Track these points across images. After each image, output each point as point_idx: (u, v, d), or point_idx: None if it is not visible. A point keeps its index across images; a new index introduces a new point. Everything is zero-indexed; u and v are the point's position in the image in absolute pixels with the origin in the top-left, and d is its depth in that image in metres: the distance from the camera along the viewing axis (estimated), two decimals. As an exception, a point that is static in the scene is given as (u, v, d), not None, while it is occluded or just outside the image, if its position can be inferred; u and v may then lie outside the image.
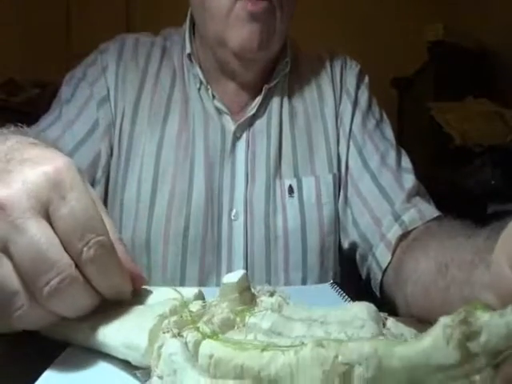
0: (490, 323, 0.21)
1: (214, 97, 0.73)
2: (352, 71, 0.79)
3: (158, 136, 0.72)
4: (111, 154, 0.72)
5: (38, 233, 0.30)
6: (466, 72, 2.16)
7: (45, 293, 0.30)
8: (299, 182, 0.73)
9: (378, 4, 2.46)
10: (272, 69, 0.75)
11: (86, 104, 0.72)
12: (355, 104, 0.76)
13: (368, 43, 2.31)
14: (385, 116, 0.79)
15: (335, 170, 0.74)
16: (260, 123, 0.74)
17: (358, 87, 0.78)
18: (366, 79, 0.80)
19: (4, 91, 2.25)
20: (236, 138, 0.73)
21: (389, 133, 0.77)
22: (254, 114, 0.73)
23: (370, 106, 0.78)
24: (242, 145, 0.73)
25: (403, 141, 0.78)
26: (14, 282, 0.30)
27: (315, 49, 0.83)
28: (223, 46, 0.68)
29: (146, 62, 0.75)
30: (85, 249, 0.31)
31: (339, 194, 0.74)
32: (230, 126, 0.73)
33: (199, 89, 0.74)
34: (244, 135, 0.73)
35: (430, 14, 2.41)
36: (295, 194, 0.72)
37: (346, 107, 0.76)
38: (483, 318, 0.21)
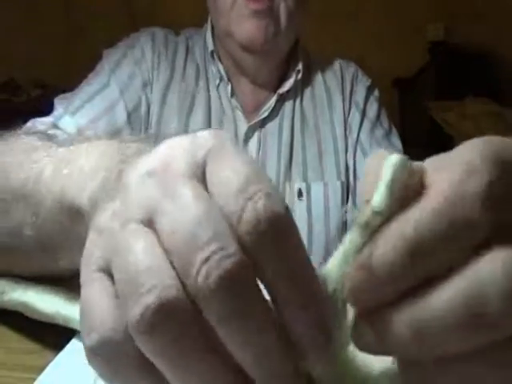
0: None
1: (232, 95, 0.75)
2: (362, 84, 0.80)
3: (183, 129, 0.73)
4: None
5: (193, 201, 0.20)
6: (467, 72, 2.16)
7: (201, 276, 0.18)
8: (308, 186, 0.75)
9: (378, 4, 2.46)
10: (284, 74, 0.77)
11: (131, 80, 0.73)
12: (363, 114, 0.78)
13: (369, 43, 2.31)
14: (394, 129, 0.80)
15: (343, 178, 0.76)
16: (272, 125, 0.76)
17: (366, 99, 0.79)
18: (376, 92, 0.81)
19: (5, 91, 2.25)
20: (248, 137, 0.75)
21: (397, 143, 0.78)
22: (266, 117, 0.76)
23: (378, 116, 0.79)
24: (253, 144, 0.75)
25: (404, 141, 0.78)
26: (152, 255, 0.19)
27: (327, 56, 0.84)
28: (231, 40, 0.70)
29: (173, 55, 0.77)
30: (249, 203, 0.19)
31: (347, 201, 0.76)
32: (243, 125, 0.75)
33: (218, 86, 0.76)
34: (255, 135, 0.75)
35: (431, 15, 2.41)
36: (304, 198, 0.74)
37: (355, 117, 0.78)
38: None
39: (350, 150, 0.77)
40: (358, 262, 0.19)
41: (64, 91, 0.75)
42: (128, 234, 0.20)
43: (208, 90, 0.76)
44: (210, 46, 0.76)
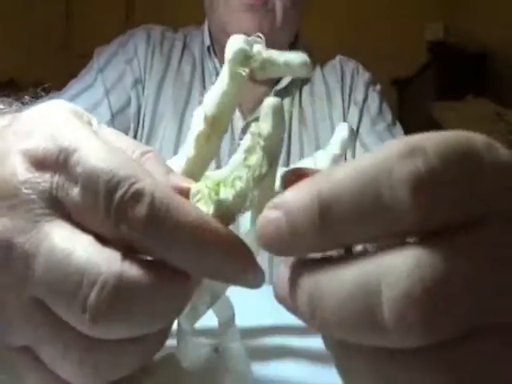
0: None
1: None
2: (362, 79, 0.80)
3: (178, 123, 0.74)
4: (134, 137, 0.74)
5: (56, 243, 0.18)
6: (467, 72, 2.16)
7: (88, 320, 0.17)
8: None
9: (378, 4, 2.46)
10: None
11: (121, 79, 0.73)
12: (362, 111, 0.78)
13: (368, 43, 2.31)
14: (398, 124, 0.80)
15: None
16: None
17: (366, 96, 0.79)
18: (378, 87, 0.80)
19: (5, 91, 2.25)
20: (245, 133, 0.75)
21: (400, 136, 0.78)
22: None
23: (380, 110, 0.78)
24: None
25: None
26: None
27: (327, 53, 0.84)
28: (226, 35, 0.70)
29: (169, 50, 0.78)
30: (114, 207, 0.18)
31: None
32: (239, 122, 0.75)
33: (214, 82, 0.76)
34: None
35: (431, 14, 2.41)
36: None
37: (354, 114, 0.78)
38: None
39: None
40: (271, 204, 0.17)
41: (63, 91, 0.75)
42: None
43: (204, 86, 0.76)
44: (207, 41, 0.77)
